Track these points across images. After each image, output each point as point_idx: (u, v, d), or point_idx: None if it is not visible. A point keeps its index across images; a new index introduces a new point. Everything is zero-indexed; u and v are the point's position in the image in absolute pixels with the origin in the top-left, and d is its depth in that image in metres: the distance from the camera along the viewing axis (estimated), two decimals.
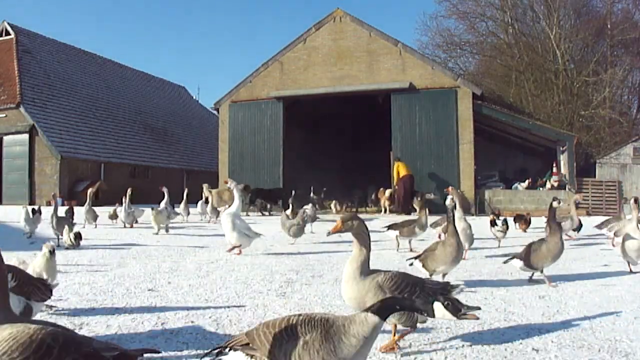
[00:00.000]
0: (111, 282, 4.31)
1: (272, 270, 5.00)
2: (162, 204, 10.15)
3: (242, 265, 5.36)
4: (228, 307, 3.51)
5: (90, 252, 6.17)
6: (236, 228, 5.86)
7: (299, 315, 1.83)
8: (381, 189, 15.87)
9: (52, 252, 3.30)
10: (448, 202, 4.85)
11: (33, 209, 8.09)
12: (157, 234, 8.46)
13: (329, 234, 2.50)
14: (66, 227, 6.68)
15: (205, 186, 13.27)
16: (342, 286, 2.50)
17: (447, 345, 2.67)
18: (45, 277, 3.09)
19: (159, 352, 2.10)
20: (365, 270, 2.45)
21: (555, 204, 4.51)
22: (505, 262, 4.54)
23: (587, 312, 3.39)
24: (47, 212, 8.04)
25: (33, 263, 3.30)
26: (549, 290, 4.10)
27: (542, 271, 4.30)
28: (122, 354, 1.70)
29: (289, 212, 9.16)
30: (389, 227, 6.65)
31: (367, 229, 2.48)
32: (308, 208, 8.49)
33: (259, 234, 6.13)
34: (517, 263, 4.34)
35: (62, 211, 7.76)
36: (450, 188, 5.98)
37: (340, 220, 2.43)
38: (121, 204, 9.73)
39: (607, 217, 8.48)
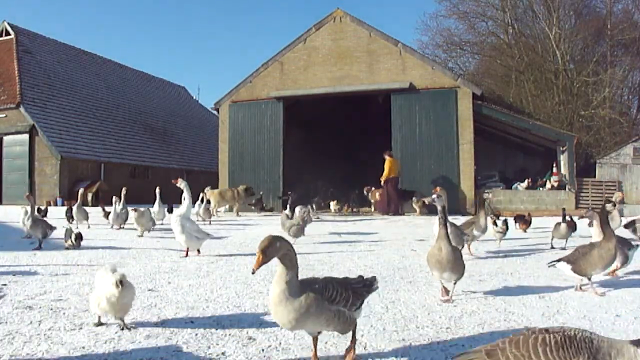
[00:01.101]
0: None
1: (272, 271, 4.98)
2: (156, 205, 10.02)
3: (242, 265, 5.36)
4: (228, 307, 3.51)
5: (90, 252, 6.17)
6: (185, 230, 5.70)
7: (553, 331, 1.54)
8: (373, 188, 15.86)
9: (117, 285, 2.76)
10: (437, 201, 4.53)
11: (39, 208, 8.09)
12: (141, 236, 8.13)
13: (253, 272, 2.16)
14: (67, 228, 6.68)
15: (207, 189, 13.30)
16: (272, 311, 2.21)
17: (447, 345, 2.67)
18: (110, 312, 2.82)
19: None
20: (294, 287, 2.19)
21: (609, 207, 4.27)
22: (550, 265, 4.22)
23: (587, 312, 3.39)
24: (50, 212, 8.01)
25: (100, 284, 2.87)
26: (549, 290, 4.09)
27: (589, 278, 3.94)
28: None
29: (288, 212, 9.15)
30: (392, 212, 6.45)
31: (291, 247, 2.21)
32: (298, 209, 8.33)
33: (209, 235, 6.04)
34: (565, 267, 3.96)
35: (61, 211, 7.76)
36: (437, 188, 5.97)
37: (259, 251, 2.11)
38: (112, 204, 9.47)
39: (635, 217, 8.02)
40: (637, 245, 4.67)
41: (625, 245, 4.41)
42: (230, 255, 6.14)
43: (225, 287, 4.17)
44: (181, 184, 6.04)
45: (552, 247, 6.79)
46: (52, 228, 6.68)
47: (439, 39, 27.63)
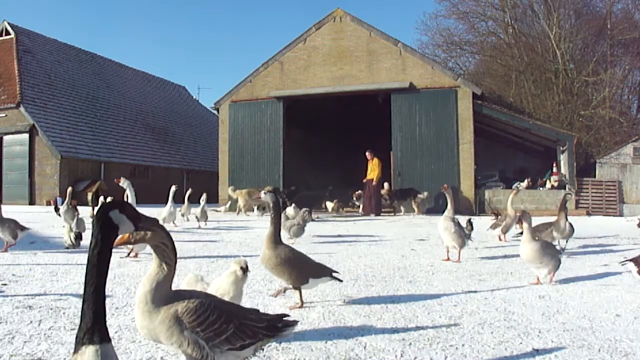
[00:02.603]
0: (111, 282, 4.31)
1: None
2: (169, 205, 9.21)
3: None
4: None
5: None
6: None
7: None
8: (359, 191, 15.78)
9: (244, 271, 2.72)
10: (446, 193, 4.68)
11: (56, 207, 7.98)
12: None
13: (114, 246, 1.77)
14: (66, 226, 6.67)
15: (230, 189, 13.26)
16: (135, 310, 1.98)
17: (447, 345, 2.67)
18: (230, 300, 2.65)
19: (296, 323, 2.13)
20: (163, 294, 1.92)
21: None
22: (621, 263, 4.16)
23: (587, 312, 3.39)
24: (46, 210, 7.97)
25: (216, 282, 2.78)
26: (549, 290, 4.10)
27: None
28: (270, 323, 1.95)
29: (289, 211, 9.15)
30: (521, 233, 6.23)
31: (170, 239, 1.97)
32: (290, 209, 8.29)
33: None
34: (632, 268, 3.91)
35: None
36: (445, 186, 6.00)
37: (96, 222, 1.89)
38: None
39: None
40: (563, 251, 4.48)
41: (554, 251, 4.34)
42: (231, 255, 6.14)
43: None
44: (124, 183, 5.79)
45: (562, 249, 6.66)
46: (23, 229, 6.10)
47: (439, 39, 27.66)
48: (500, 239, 7.45)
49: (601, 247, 7.08)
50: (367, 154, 15.03)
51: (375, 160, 14.87)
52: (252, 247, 6.72)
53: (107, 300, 3.59)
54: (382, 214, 14.56)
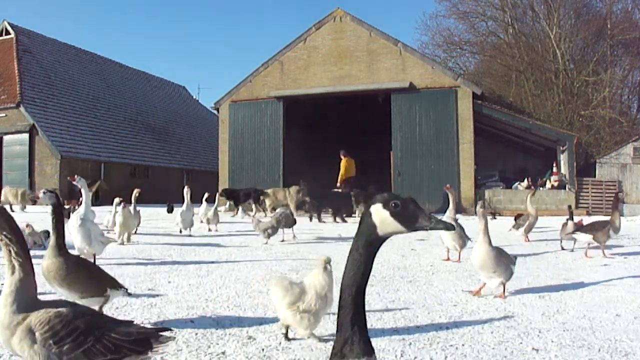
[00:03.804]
0: None
1: (272, 270, 5.00)
2: (184, 207, 8.49)
3: (242, 265, 5.36)
4: (228, 306, 3.51)
5: None
6: (92, 234, 4.90)
7: None
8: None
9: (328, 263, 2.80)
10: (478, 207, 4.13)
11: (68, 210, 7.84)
12: (122, 244, 6.87)
13: None
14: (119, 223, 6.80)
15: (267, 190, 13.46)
16: None
17: (447, 345, 2.67)
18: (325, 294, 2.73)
19: (171, 330, 1.94)
20: (21, 302, 1.73)
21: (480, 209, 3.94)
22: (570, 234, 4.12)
23: (587, 312, 3.39)
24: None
25: (312, 279, 2.81)
26: (549, 290, 4.09)
27: None
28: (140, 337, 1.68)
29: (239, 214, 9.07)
30: (576, 230, 5.96)
31: (15, 231, 1.76)
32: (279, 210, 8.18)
33: (110, 240, 5.39)
34: (584, 237, 3.88)
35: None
36: (448, 185, 6.02)
37: None
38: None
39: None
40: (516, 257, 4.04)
41: (509, 260, 3.83)
42: (230, 255, 6.14)
43: (225, 286, 4.18)
44: (79, 182, 5.26)
45: (563, 249, 6.58)
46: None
47: (439, 39, 27.64)
48: (526, 240, 7.52)
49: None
50: (341, 154, 14.82)
51: (343, 159, 14.62)
52: (253, 247, 6.71)
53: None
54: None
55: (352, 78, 16.65)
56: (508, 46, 24.67)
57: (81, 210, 5.16)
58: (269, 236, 7.17)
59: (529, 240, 7.52)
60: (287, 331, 2.74)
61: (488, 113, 16.03)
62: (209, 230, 9.19)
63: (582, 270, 5.14)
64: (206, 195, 10.15)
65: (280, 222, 7.27)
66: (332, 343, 2.67)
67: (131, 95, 29.81)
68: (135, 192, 8.33)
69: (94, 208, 9.65)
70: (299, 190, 13.86)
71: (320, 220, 11.83)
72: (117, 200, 7.71)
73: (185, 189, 8.67)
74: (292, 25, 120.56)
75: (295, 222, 7.77)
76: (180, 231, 8.46)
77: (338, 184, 14.56)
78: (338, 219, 11.85)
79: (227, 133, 17.93)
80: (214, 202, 9.92)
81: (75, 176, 5.39)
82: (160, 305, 3.49)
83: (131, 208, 7.54)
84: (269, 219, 7.57)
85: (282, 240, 7.53)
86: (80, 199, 7.80)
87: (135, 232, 8.11)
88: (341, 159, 14.77)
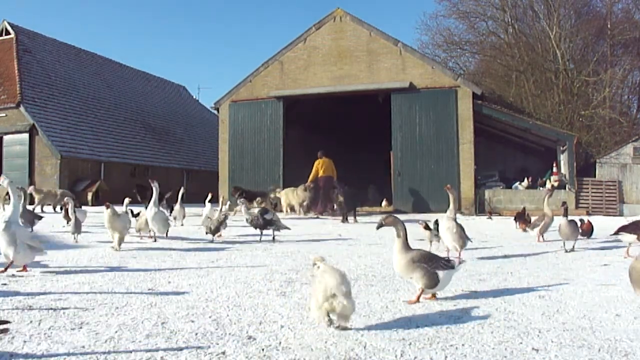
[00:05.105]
0: (111, 282, 4.32)
1: (272, 270, 5.00)
2: (207, 207, 8.41)
3: (242, 265, 5.36)
4: (228, 306, 3.51)
5: (90, 252, 6.17)
6: (18, 239, 4.44)
7: None
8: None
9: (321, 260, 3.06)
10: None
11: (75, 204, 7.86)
12: (117, 249, 6.29)
13: None
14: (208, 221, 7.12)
15: (272, 187, 13.49)
16: None
17: (447, 345, 2.67)
18: None
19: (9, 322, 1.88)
20: None
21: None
22: (615, 234, 4.04)
23: (587, 312, 3.39)
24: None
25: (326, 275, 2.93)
26: (549, 290, 4.10)
27: None
28: None
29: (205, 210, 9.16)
30: (620, 230, 5.88)
31: None
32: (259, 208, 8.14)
33: (43, 250, 4.79)
34: (629, 237, 3.78)
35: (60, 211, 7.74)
36: (448, 185, 6.02)
37: None
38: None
39: None
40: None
41: (432, 267, 3.51)
42: (230, 254, 6.14)
43: (225, 286, 4.18)
44: (4, 181, 4.73)
45: (566, 251, 6.48)
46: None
47: (439, 39, 27.61)
48: (540, 240, 7.60)
49: (601, 247, 7.07)
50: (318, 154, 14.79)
51: (318, 160, 14.57)
52: (253, 247, 6.72)
53: (107, 300, 3.60)
54: (325, 215, 13.92)
55: (352, 78, 16.65)
56: (508, 46, 24.67)
57: (7, 212, 4.61)
58: (212, 233, 7.33)
59: (543, 240, 7.60)
60: (330, 318, 2.87)
61: (488, 113, 16.03)
62: (219, 236, 7.73)
63: (582, 270, 5.14)
64: (209, 196, 9.66)
65: (224, 221, 7.47)
66: (332, 343, 2.67)
67: (131, 95, 29.81)
68: (182, 190, 8.62)
69: (94, 208, 9.67)
70: (305, 188, 13.92)
71: (355, 220, 11.87)
72: (127, 200, 7.51)
73: (154, 185, 7.46)
74: (292, 25, 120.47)
75: (270, 224, 7.45)
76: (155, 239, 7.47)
77: (308, 183, 14.34)
78: (350, 219, 11.84)
79: (227, 133, 17.93)
80: (219, 204, 9.53)
81: (2, 176, 4.88)
82: (160, 305, 3.49)
83: (123, 208, 7.14)
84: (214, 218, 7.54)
85: (261, 241, 7.52)
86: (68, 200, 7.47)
87: (167, 235, 7.59)
88: (319, 158, 14.67)
